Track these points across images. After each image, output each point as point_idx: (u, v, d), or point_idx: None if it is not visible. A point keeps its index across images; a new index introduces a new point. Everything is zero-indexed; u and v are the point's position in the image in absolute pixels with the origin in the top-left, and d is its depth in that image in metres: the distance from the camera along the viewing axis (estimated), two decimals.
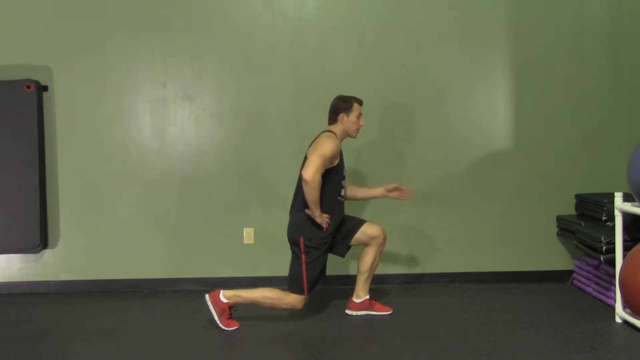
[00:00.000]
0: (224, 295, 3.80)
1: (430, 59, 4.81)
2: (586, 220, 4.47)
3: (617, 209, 3.82)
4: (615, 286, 3.87)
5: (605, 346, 3.47)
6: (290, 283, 3.88)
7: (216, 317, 3.78)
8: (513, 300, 4.36)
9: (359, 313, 4.11)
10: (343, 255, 4.12)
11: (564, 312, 4.06)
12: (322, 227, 3.81)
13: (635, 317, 3.63)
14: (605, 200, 4.31)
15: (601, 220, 4.36)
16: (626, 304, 3.66)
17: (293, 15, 4.78)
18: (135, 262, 4.81)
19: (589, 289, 4.46)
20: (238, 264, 4.81)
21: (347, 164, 4.76)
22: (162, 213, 4.81)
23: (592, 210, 4.49)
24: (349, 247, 4.10)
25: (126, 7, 4.75)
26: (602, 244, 4.06)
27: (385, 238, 4.08)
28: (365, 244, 4.07)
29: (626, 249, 3.80)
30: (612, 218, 4.04)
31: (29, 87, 4.63)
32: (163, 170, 4.80)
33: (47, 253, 4.80)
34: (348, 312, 4.13)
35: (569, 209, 4.79)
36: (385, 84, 4.80)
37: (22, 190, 4.64)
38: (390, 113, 4.81)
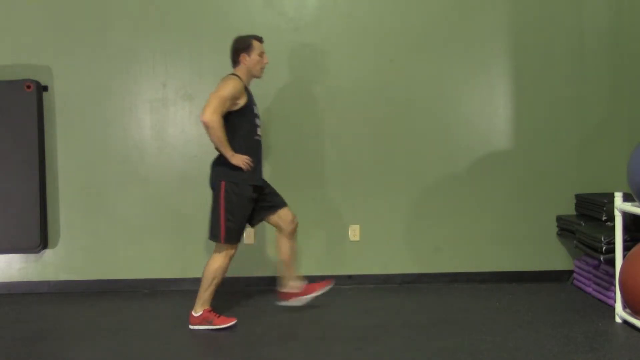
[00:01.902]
0: (195, 311, 3.84)
1: (430, 59, 4.81)
2: (586, 220, 4.47)
3: (617, 209, 3.82)
4: (615, 286, 3.88)
5: (605, 346, 3.47)
6: (209, 231, 3.85)
7: (210, 327, 3.80)
8: (513, 300, 4.36)
9: (291, 303, 4.10)
10: (252, 225, 4.07)
11: (564, 312, 4.06)
12: (242, 169, 3.74)
13: (635, 317, 3.63)
14: (605, 200, 4.31)
15: (601, 220, 4.36)
16: (626, 304, 3.66)
17: (293, 15, 4.78)
18: (135, 262, 4.81)
19: (589, 289, 4.46)
20: (238, 264, 4.78)
21: (348, 160, 4.78)
22: (162, 213, 4.81)
23: (592, 210, 4.49)
24: (261, 220, 4.03)
25: (126, 7, 4.75)
26: (602, 244, 4.06)
27: (295, 227, 4.02)
28: (278, 227, 4.01)
29: (626, 249, 3.80)
30: (612, 218, 4.04)
31: (29, 87, 4.63)
32: (163, 170, 4.80)
33: (47, 253, 4.80)
34: (280, 303, 4.12)
35: (569, 209, 4.79)
36: (385, 84, 4.80)
37: (22, 190, 4.64)
38: (390, 113, 4.81)
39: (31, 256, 4.80)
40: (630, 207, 3.74)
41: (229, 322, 3.81)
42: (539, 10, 4.81)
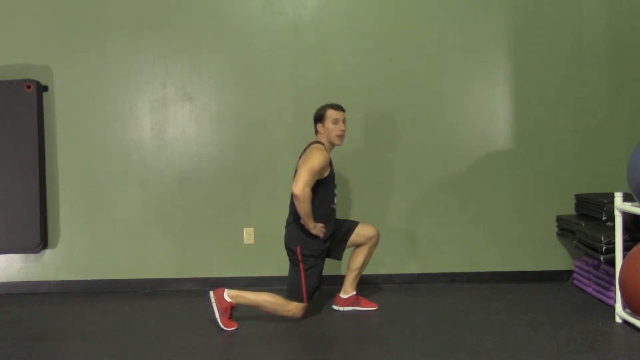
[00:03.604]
0: (228, 295, 3.82)
1: (430, 59, 4.81)
2: (586, 220, 4.47)
3: (617, 209, 3.82)
4: (615, 286, 3.88)
5: (605, 346, 3.47)
6: (289, 291, 3.92)
7: (218, 315, 3.79)
8: (513, 300, 4.36)
9: (345, 309, 4.16)
10: (340, 258, 4.17)
11: (564, 312, 4.06)
12: (318, 237, 3.86)
13: (635, 317, 3.63)
14: (605, 200, 4.31)
15: (601, 220, 4.36)
16: (626, 304, 3.66)
17: (293, 15, 4.78)
18: (135, 262, 4.81)
19: (589, 289, 4.46)
20: (238, 264, 4.81)
21: (347, 160, 4.79)
22: (162, 213, 4.81)
23: (592, 210, 4.49)
24: (344, 249, 4.14)
25: (126, 7, 4.75)
26: (602, 244, 4.06)
27: (378, 237, 4.15)
28: (360, 244, 4.13)
29: (626, 249, 3.80)
30: (612, 218, 4.04)
31: (29, 87, 4.64)
32: (163, 170, 4.80)
33: (47, 253, 4.80)
34: (335, 307, 4.19)
35: (569, 209, 4.79)
36: (385, 84, 4.80)
37: (22, 190, 4.64)
38: (390, 113, 4.81)
39: (31, 256, 4.80)
40: (630, 207, 3.74)
41: (230, 327, 3.81)
42: (539, 11, 4.81)
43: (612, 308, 3.96)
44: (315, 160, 3.78)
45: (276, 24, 4.77)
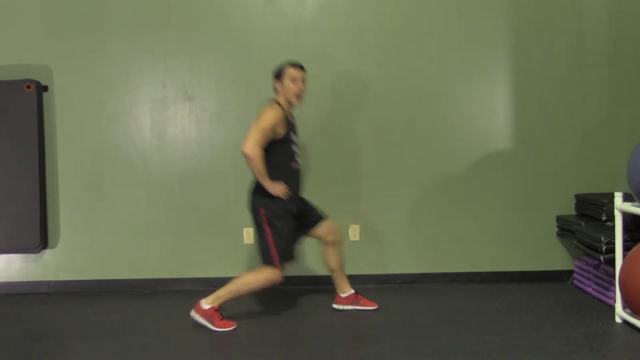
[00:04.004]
0: (205, 302, 3.82)
1: (430, 59, 4.81)
2: (586, 220, 4.47)
3: (617, 209, 3.82)
4: (615, 286, 3.88)
5: (605, 346, 3.47)
6: (261, 257, 3.86)
7: (210, 325, 3.79)
8: (513, 300, 4.36)
9: (346, 307, 4.17)
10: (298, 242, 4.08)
11: (564, 312, 4.06)
12: (280, 198, 3.76)
13: (635, 317, 3.63)
14: (605, 200, 4.31)
15: (601, 220, 4.36)
16: (626, 304, 3.66)
17: (293, 15, 4.78)
18: (135, 262, 4.81)
19: (589, 289, 4.46)
20: (238, 264, 4.81)
21: (347, 160, 4.78)
22: (162, 213, 4.81)
23: (592, 210, 4.49)
24: (303, 236, 4.06)
25: (126, 7, 4.75)
26: (602, 244, 4.06)
27: (338, 236, 4.10)
28: (322, 240, 4.08)
29: (626, 249, 3.80)
30: (612, 218, 4.04)
31: (29, 87, 4.63)
32: (163, 170, 4.80)
33: (47, 253, 4.80)
34: (335, 306, 4.19)
35: (569, 209, 4.79)
36: (385, 84, 4.80)
37: (22, 190, 4.64)
38: (390, 113, 4.81)
39: (31, 256, 4.80)
40: (630, 207, 3.74)
41: (228, 327, 3.80)
42: (539, 10, 4.81)
43: (612, 308, 3.96)
44: (265, 118, 3.71)
45: (276, 24, 4.77)
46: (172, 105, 4.79)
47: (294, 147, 3.91)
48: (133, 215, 4.80)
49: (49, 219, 4.78)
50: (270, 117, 3.72)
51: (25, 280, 4.80)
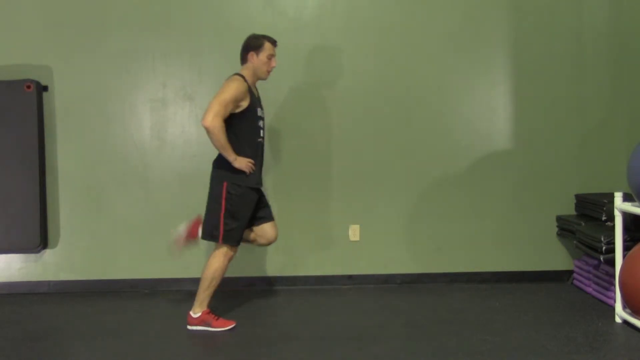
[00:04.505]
0: (193, 312, 3.83)
1: (430, 59, 4.81)
2: (586, 220, 4.47)
3: (617, 209, 3.82)
4: (615, 286, 3.88)
5: (605, 346, 3.47)
6: (204, 229, 3.80)
7: (209, 328, 3.81)
8: (513, 300, 4.36)
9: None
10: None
11: (564, 312, 4.06)
12: (244, 172, 3.70)
13: (635, 317, 3.63)
14: (605, 200, 4.31)
15: (601, 220, 4.37)
16: (626, 304, 3.66)
17: (293, 15, 4.78)
18: (135, 262, 4.81)
19: (589, 289, 4.46)
20: (238, 264, 4.79)
21: (348, 160, 4.78)
22: (162, 213, 4.81)
23: (592, 210, 4.49)
24: (248, 227, 3.96)
25: (126, 7, 4.75)
26: (602, 244, 4.06)
27: (270, 243, 4.02)
28: (253, 241, 4.01)
29: (626, 249, 3.80)
30: (612, 218, 4.04)
31: (29, 87, 4.63)
32: (163, 170, 4.80)
33: (47, 253, 4.80)
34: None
35: (569, 209, 4.79)
36: (385, 84, 4.80)
37: (22, 190, 4.64)
38: (390, 113, 4.81)
39: (31, 256, 4.80)
40: (630, 207, 3.74)
41: (227, 325, 3.81)
42: (539, 11, 4.81)
43: (612, 308, 3.96)
44: (227, 90, 3.64)
45: (276, 24, 4.77)
46: (172, 105, 4.79)
47: (259, 122, 3.84)
48: (133, 215, 4.80)
49: (49, 219, 4.78)
50: (231, 89, 3.65)
51: (25, 280, 4.80)
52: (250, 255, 4.80)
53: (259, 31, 4.73)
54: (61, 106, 4.77)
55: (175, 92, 4.79)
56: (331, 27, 4.79)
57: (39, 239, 4.65)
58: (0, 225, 4.63)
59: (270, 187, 4.79)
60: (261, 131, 3.87)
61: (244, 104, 3.72)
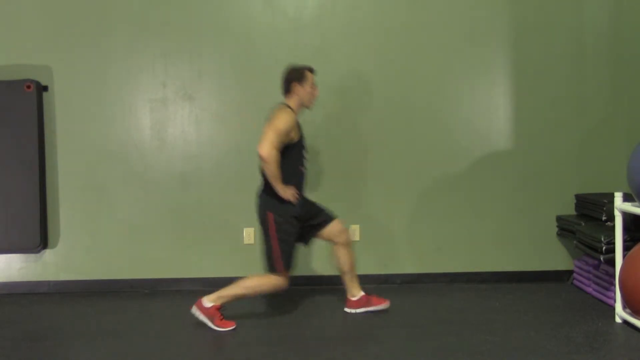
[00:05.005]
0: (207, 300, 3.82)
1: (430, 59, 4.81)
2: (586, 220, 4.47)
3: (617, 209, 3.82)
4: (615, 286, 3.88)
5: (605, 346, 3.47)
6: (265, 262, 3.86)
7: (209, 323, 3.79)
8: (513, 300, 4.36)
9: (359, 310, 4.12)
10: (306, 244, 4.07)
11: (564, 312, 4.06)
12: (290, 202, 3.77)
13: (635, 317, 3.63)
14: (605, 200, 4.31)
15: (601, 220, 4.36)
16: (626, 304, 3.66)
17: (293, 15, 4.78)
18: (135, 262, 4.81)
19: (589, 289, 4.46)
20: (238, 264, 4.81)
21: (348, 160, 4.79)
22: (162, 213, 4.81)
23: (592, 210, 4.49)
24: (312, 237, 4.05)
25: (126, 7, 4.75)
26: (602, 244, 4.06)
27: (348, 235, 4.08)
28: (331, 241, 4.06)
29: (626, 249, 3.80)
30: (612, 218, 4.04)
31: (29, 87, 4.63)
32: (163, 170, 4.80)
33: (47, 253, 4.80)
34: (347, 310, 4.15)
35: (569, 209, 4.79)
36: (385, 84, 4.80)
37: (22, 190, 4.64)
38: (390, 113, 4.81)
39: (31, 256, 4.80)
40: (630, 207, 3.74)
41: (227, 327, 3.81)
42: (539, 10, 4.81)
43: (612, 308, 3.96)
44: (281, 121, 3.72)
45: (276, 24, 4.77)
46: (172, 105, 4.79)
47: (304, 152, 3.94)
48: (133, 215, 4.80)
49: (49, 219, 4.78)
50: (286, 121, 3.74)
51: (25, 280, 4.80)
52: (250, 256, 4.80)
53: (259, 31, 4.76)
54: (61, 106, 4.77)
55: (175, 92, 4.79)
56: (331, 27, 4.79)
57: (39, 239, 4.65)
58: (0, 225, 4.63)
59: None
60: (305, 161, 3.95)
61: (294, 135, 3.81)
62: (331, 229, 4.03)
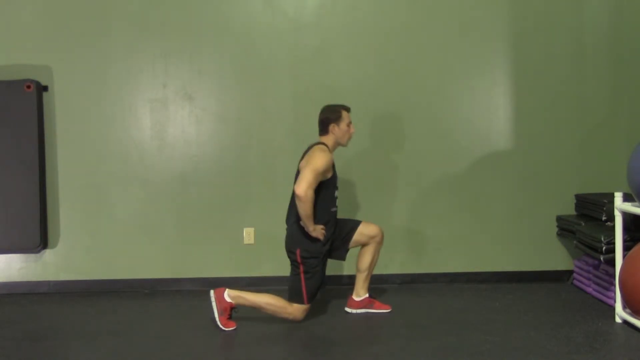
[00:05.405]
0: (229, 295, 3.82)
1: (430, 59, 4.81)
2: (586, 220, 4.47)
3: (617, 209, 3.82)
4: (615, 286, 3.88)
5: (605, 346, 3.47)
6: (290, 293, 3.90)
7: (217, 315, 3.79)
8: (513, 300, 4.36)
9: (359, 311, 4.12)
10: (343, 259, 4.15)
11: (564, 312, 4.06)
12: (318, 239, 3.84)
13: (635, 317, 3.63)
14: (605, 200, 4.31)
15: (601, 220, 4.36)
16: (626, 304, 3.66)
17: (293, 15, 4.78)
18: (135, 262, 4.81)
19: (589, 289, 4.46)
20: (238, 264, 4.81)
21: (347, 160, 4.79)
22: (162, 213, 4.81)
23: (592, 210, 4.49)
24: (347, 250, 4.12)
25: (126, 7, 4.75)
26: (602, 244, 4.06)
27: (383, 236, 4.13)
28: (364, 244, 4.10)
29: (626, 249, 3.80)
30: (612, 218, 4.04)
31: (29, 87, 4.63)
32: (163, 170, 4.80)
33: (47, 253, 4.80)
34: (347, 309, 4.15)
35: (569, 209, 4.79)
36: (385, 84, 4.80)
37: (22, 190, 4.64)
38: (390, 113, 4.81)
39: (31, 256, 4.80)
40: (630, 207, 3.74)
41: (229, 327, 3.81)
42: (539, 10, 4.81)
43: (612, 308, 3.96)
44: (319, 161, 3.76)
45: (276, 24, 4.77)
46: (172, 105, 4.79)
47: (336, 192, 3.97)
48: (133, 215, 4.80)
49: (49, 219, 4.78)
50: (323, 161, 3.77)
51: (25, 280, 4.80)
52: (250, 256, 4.80)
53: (259, 31, 4.76)
54: (61, 106, 4.77)
55: (175, 92, 4.79)
56: (331, 27, 4.79)
57: (39, 239, 4.65)
58: (0, 225, 4.63)
59: (270, 188, 4.79)
60: (336, 201, 3.98)
61: (329, 175, 3.85)
62: (362, 231, 4.06)
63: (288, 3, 4.77)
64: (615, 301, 3.88)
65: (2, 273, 4.81)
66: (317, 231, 3.81)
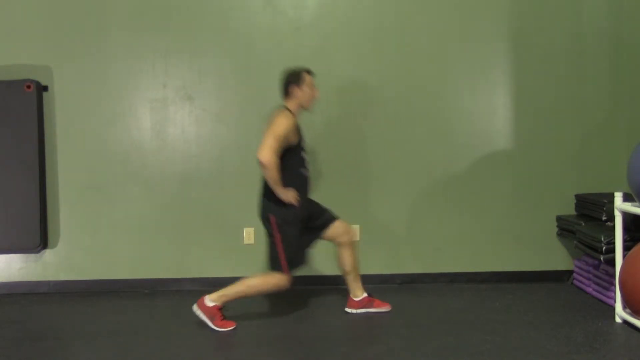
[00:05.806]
0: (210, 299, 3.82)
1: (430, 59, 4.81)
2: (586, 220, 4.47)
3: (617, 209, 3.82)
4: (615, 286, 3.88)
5: (605, 346, 3.47)
6: (269, 263, 3.87)
7: (210, 322, 3.79)
8: (513, 300, 4.36)
9: (359, 311, 4.12)
10: (312, 245, 4.08)
11: (564, 312, 4.06)
12: (291, 204, 3.78)
13: (635, 317, 3.63)
14: (605, 200, 4.31)
15: (601, 220, 4.36)
16: (626, 304, 3.66)
17: (293, 16, 4.78)
18: (135, 262, 4.81)
19: (589, 289, 4.46)
20: (238, 264, 4.81)
21: (348, 160, 4.79)
22: (162, 213, 4.81)
23: (592, 210, 4.49)
24: (319, 238, 4.06)
25: (126, 6, 4.75)
26: (602, 244, 4.06)
27: (352, 235, 4.09)
28: (337, 244, 4.07)
29: (626, 249, 3.80)
30: (612, 218, 4.04)
31: (29, 87, 4.64)
32: (163, 170, 4.80)
33: (47, 253, 4.80)
34: (348, 310, 4.14)
35: (569, 209, 4.79)
36: (385, 84, 4.80)
37: (22, 190, 4.64)
38: (390, 113, 4.81)
39: (31, 256, 4.80)
40: (630, 207, 3.74)
41: (227, 327, 3.81)
42: (539, 10, 4.81)
43: (612, 308, 3.96)
44: (280, 126, 3.72)
45: (276, 24, 4.77)
46: (172, 105, 4.80)
47: (304, 154, 3.93)
48: (133, 215, 4.80)
49: (49, 219, 4.78)
50: (284, 125, 3.73)
51: (25, 280, 4.80)
52: (250, 256, 4.80)
53: (259, 31, 4.76)
54: (61, 106, 4.77)
55: (175, 92, 4.79)
56: (331, 27, 4.79)
57: (39, 239, 4.65)
58: (0, 225, 4.63)
59: None
60: (306, 163, 3.94)
61: (293, 139, 3.81)
62: (335, 229, 4.04)
63: (288, 3, 4.77)
64: (615, 301, 3.88)
65: (2, 273, 4.81)
66: (288, 195, 3.76)
